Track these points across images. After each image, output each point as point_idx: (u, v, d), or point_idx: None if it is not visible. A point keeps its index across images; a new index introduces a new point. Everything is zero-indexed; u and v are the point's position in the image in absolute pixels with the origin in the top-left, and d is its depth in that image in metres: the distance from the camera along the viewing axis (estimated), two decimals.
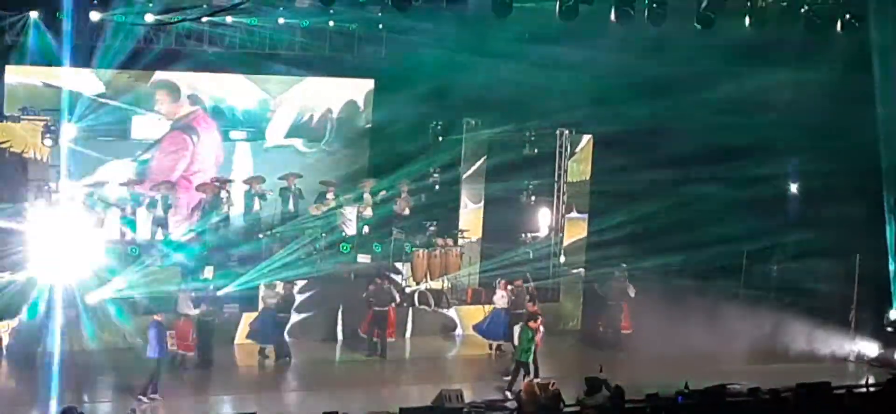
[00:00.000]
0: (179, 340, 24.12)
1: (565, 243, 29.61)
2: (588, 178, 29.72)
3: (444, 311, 28.34)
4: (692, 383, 21.32)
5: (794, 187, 31.19)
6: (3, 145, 25.75)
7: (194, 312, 24.55)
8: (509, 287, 27.13)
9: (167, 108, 29.23)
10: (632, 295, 27.72)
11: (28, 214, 25.81)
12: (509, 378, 24.21)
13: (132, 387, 22.90)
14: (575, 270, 29.46)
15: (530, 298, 26.69)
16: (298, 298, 26.66)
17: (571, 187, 29.64)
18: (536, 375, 23.85)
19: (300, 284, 26.74)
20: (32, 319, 24.65)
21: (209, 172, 29.51)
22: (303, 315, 26.87)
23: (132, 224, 27.29)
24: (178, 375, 24.10)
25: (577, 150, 29.59)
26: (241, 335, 26.31)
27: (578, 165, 29.72)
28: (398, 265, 28.13)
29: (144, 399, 22.54)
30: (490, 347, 27.25)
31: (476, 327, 27.62)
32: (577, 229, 29.73)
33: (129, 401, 22.13)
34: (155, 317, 23.30)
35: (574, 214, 29.72)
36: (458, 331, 28.37)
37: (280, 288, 26.00)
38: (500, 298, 27.16)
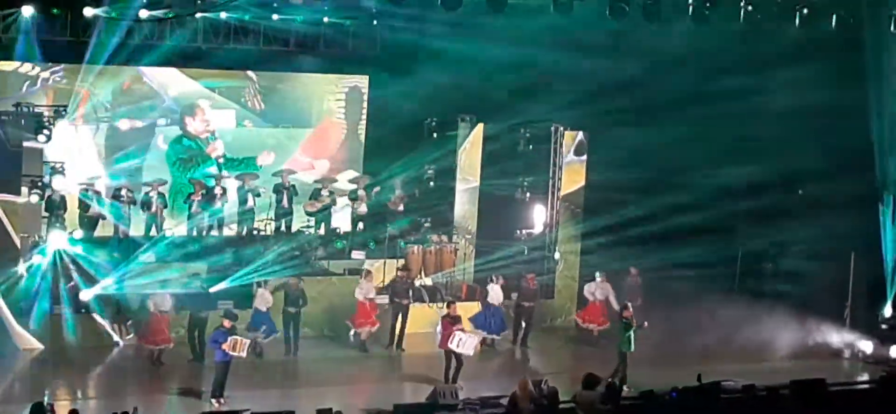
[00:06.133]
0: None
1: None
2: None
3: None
4: (685, 381, 21.28)
5: (789, 185, 31.09)
6: None
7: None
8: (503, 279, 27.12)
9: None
10: (598, 297, 27.58)
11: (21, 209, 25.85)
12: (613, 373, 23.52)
13: (117, 387, 23.13)
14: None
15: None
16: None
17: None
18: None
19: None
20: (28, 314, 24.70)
21: None
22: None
23: (126, 221, 27.25)
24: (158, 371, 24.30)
25: None
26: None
27: None
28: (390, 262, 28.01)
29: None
30: (483, 341, 26.96)
31: (472, 320, 27.36)
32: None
33: (115, 400, 22.08)
34: (224, 322, 23.02)
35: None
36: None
37: (270, 288, 25.71)
38: (495, 293, 27.03)
